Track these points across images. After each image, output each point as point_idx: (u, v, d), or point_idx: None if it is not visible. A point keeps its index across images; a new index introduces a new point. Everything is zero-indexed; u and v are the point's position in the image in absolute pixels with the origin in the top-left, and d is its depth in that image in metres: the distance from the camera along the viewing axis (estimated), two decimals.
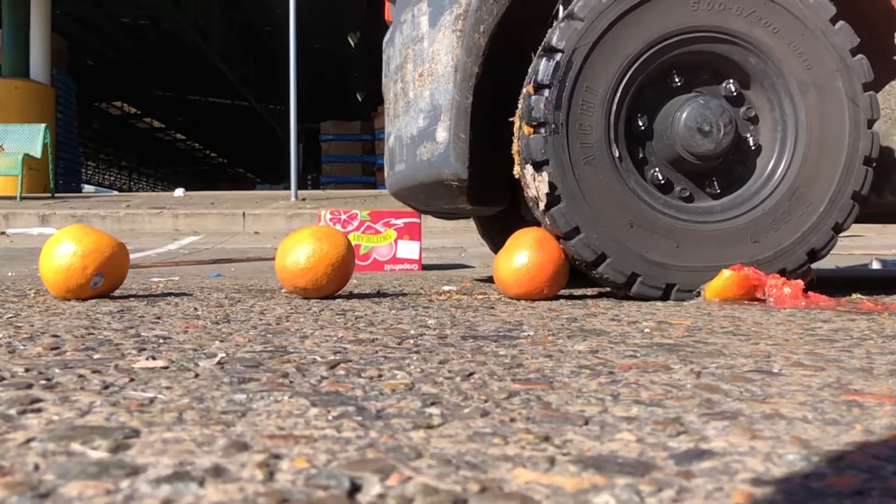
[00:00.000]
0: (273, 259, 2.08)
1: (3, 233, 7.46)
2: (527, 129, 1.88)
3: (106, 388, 0.82)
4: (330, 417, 0.71)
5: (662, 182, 1.96)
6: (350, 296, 2.07)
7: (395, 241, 3.90)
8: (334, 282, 1.92)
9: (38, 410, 0.72)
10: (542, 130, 1.85)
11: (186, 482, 0.52)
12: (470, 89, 1.99)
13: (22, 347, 1.09)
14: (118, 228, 7.88)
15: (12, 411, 0.71)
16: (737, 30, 1.89)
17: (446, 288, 2.41)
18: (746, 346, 1.18)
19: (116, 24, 18.07)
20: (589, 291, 2.26)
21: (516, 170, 1.98)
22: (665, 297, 1.91)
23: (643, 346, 1.16)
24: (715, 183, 1.98)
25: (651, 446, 0.63)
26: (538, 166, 1.86)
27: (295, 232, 1.98)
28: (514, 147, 1.96)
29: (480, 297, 2.06)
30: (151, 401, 0.77)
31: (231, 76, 19.71)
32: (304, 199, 9.36)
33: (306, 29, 14.42)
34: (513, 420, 0.71)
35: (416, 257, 3.91)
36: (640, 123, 1.94)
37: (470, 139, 2.01)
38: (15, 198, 10.16)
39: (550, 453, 0.61)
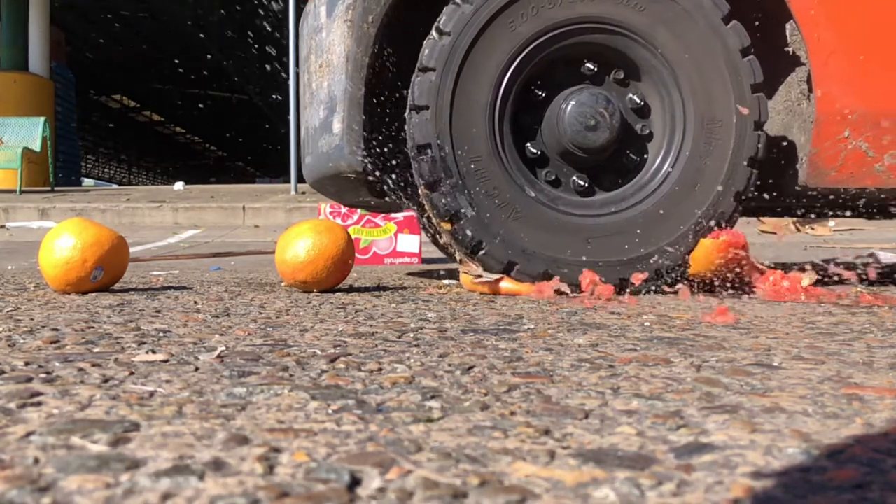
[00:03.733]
0: (273, 253, 2.08)
1: (2, 226, 7.46)
2: (445, 226, 1.90)
3: (106, 381, 0.82)
4: (330, 411, 0.71)
5: (586, 185, 1.96)
6: (350, 289, 2.07)
7: (395, 235, 3.90)
8: (334, 275, 1.92)
9: (38, 404, 0.72)
10: (460, 221, 1.87)
11: (186, 476, 0.52)
12: (362, 80, 1.97)
13: (22, 341, 1.09)
14: (118, 222, 7.88)
15: (12, 405, 0.71)
16: (563, 19, 1.87)
17: (446, 282, 2.40)
18: (746, 339, 1.18)
19: (116, 16, 18.02)
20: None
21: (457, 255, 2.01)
22: (660, 276, 1.92)
23: (643, 340, 1.16)
24: (631, 155, 1.98)
25: (651, 440, 0.63)
26: (474, 252, 1.88)
27: (295, 225, 1.98)
28: (443, 240, 1.97)
29: None
30: (151, 394, 0.77)
31: (230, 69, 19.67)
32: (303, 193, 9.35)
33: None
34: (513, 413, 0.71)
35: (417, 251, 3.91)
36: (535, 150, 1.95)
37: (364, 130, 1.99)
38: (14, 191, 10.15)
39: (550, 447, 0.61)
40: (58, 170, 12.99)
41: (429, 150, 1.86)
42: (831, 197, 2.12)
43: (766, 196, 2.16)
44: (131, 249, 2.05)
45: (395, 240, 3.89)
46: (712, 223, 1.91)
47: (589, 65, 1.94)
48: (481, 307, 1.62)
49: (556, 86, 1.96)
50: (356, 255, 3.45)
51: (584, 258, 1.88)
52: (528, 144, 1.96)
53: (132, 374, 0.87)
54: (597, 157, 1.93)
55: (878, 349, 1.09)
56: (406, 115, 1.92)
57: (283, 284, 2.20)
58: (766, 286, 1.92)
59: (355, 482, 0.52)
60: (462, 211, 1.86)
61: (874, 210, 2.45)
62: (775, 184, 2.08)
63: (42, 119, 11.12)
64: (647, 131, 1.98)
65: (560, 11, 1.87)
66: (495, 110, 1.88)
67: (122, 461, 0.55)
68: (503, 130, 1.90)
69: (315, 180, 2.42)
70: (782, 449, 0.61)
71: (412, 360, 0.97)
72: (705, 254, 1.89)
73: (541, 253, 1.88)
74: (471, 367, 0.93)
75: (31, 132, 10.86)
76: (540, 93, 1.95)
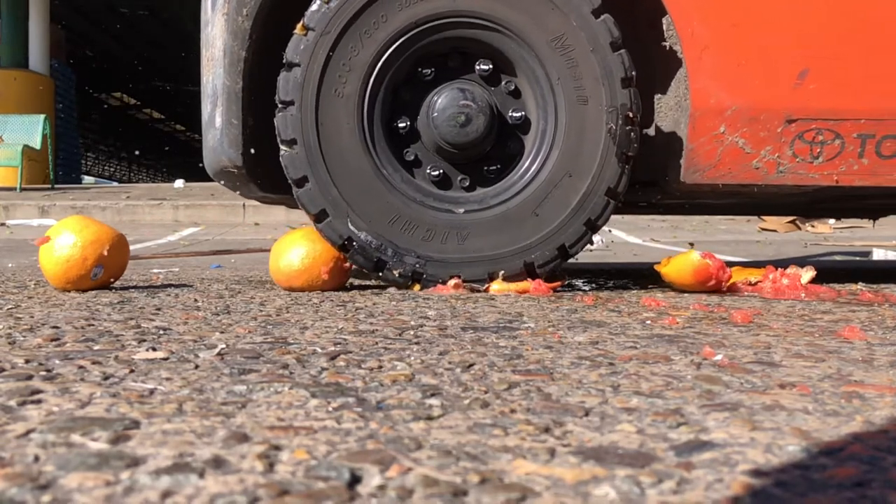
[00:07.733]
0: None
1: (3, 224, 7.46)
2: (416, 288, 1.91)
3: (106, 379, 0.82)
4: (330, 409, 0.71)
5: (499, 167, 1.94)
6: (350, 287, 2.07)
7: None
8: (330, 282, 1.91)
9: (38, 402, 0.72)
10: (421, 277, 1.88)
11: (186, 473, 0.52)
12: (239, 74, 1.95)
13: (22, 339, 1.09)
14: (118, 220, 7.88)
15: (12, 402, 0.71)
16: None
17: None
18: (747, 337, 1.18)
19: (115, 14, 18.02)
20: (584, 285, 2.26)
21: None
22: (616, 196, 1.90)
23: (643, 338, 1.16)
24: (514, 115, 1.94)
25: (651, 437, 0.63)
26: (448, 280, 1.88)
27: (288, 234, 1.98)
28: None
29: None
30: (151, 392, 0.77)
31: None
32: None
33: None
34: (513, 411, 0.71)
35: None
36: (436, 174, 1.93)
37: (243, 125, 1.97)
38: (15, 189, 10.16)
39: (550, 444, 0.61)
40: (58, 167, 13.00)
41: (353, 241, 1.86)
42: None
43: (652, 195, 2.16)
44: (131, 247, 2.05)
45: None
46: (621, 120, 1.86)
47: (426, 70, 1.91)
48: (481, 305, 1.62)
49: (412, 105, 1.93)
50: None
51: (543, 231, 1.86)
52: (429, 171, 1.94)
53: (132, 371, 0.87)
54: (483, 147, 1.91)
55: (878, 347, 1.09)
56: (293, 191, 1.91)
57: None
58: (767, 284, 1.92)
59: (355, 480, 0.52)
60: (418, 267, 1.86)
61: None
62: (662, 181, 2.06)
63: (42, 117, 11.12)
64: (513, 87, 1.94)
65: (368, 47, 1.84)
66: (380, 170, 1.87)
67: (122, 459, 0.55)
68: (400, 178, 1.89)
69: (212, 174, 2.41)
70: (782, 446, 0.61)
71: (412, 358, 0.97)
72: (678, 270, 1.89)
73: (511, 249, 1.87)
74: (471, 365, 0.93)
75: (32, 130, 10.87)
76: (402, 124, 1.93)
